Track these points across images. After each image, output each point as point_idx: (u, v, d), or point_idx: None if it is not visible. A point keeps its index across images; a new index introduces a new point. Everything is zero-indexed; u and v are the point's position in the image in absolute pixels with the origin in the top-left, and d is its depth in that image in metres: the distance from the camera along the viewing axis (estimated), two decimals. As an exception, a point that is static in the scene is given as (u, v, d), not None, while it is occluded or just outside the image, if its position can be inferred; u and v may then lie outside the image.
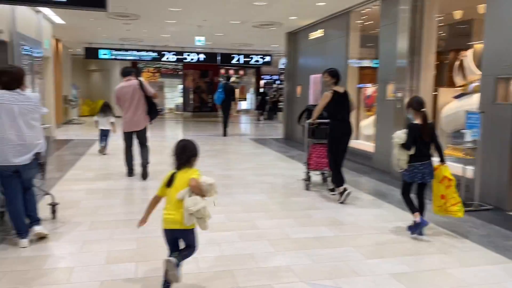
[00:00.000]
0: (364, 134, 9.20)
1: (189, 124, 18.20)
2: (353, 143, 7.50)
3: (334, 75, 5.44)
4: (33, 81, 8.76)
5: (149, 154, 6.69)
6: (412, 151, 4.04)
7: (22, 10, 8.30)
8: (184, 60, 16.95)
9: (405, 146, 4.05)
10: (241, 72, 26.03)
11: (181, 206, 2.77)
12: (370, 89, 9.08)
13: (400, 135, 4.11)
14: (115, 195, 5.67)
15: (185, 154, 2.92)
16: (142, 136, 6.62)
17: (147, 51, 16.41)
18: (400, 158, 4.10)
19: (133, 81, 6.54)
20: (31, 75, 8.53)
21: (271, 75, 31.98)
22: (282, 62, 18.78)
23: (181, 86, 23.89)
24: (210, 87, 23.45)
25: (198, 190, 2.78)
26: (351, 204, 5.34)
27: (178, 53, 16.71)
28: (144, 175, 6.57)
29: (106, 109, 8.96)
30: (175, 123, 18.94)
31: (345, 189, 5.36)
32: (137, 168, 6.77)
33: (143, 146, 6.66)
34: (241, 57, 17.14)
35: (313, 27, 10.71)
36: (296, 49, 12.01)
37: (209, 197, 2.83)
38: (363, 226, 4.55)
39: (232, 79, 25.92)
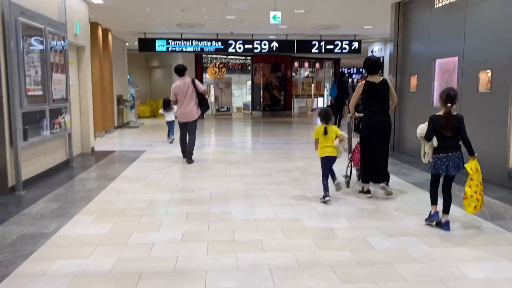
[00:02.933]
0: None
1: (259, 126, 15.32)
2: None
3: (365, 64, 5.27)
4: (47, 75, 6.30)
5: (195, 144, 7.71)
6: (435, 143, 4.03)
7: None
8: (255, 50, 14.04)
9: (425, 137, 4.08)
10: (317, 65, 22.69)
11: (333, 145, 4.98)
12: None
13: (422, 127, 4.13)
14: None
15: (329, 117, 5.05)
16: (192, 126, 7.59)
17: (209, 40, 13.77)
18: (425, 151, 4.11)
19: (187, 79, 7.51)
20: (41, 67, 6.07)
21: (349, 68, 28.12)
22: (372, 49, 15.21)
23: (249, 83, 21.16)
24: (282, 83, 20.50)
25: (343, 140, 5.00)
26: None
27: (247, 41, 13.87)
28: (189, 161, 7.55)
29: (167, 104, 10.52)
30: (243, 125, 16.18)
31: (368, 191, 5.25)
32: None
33: (190, 134, 7.61)
34: (323, 44, 13.89)
35: (442, -12, 7.25)
36: (408, 26, 8.57)
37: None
38: None
39: (306, 73, 22.76)
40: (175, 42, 13.65)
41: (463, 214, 4.40)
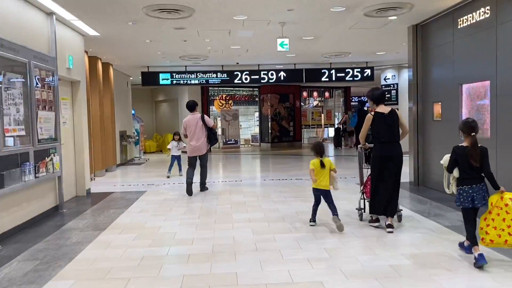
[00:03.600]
0: None
1: (268, 160, 14.57)
2: None
3: (369, 95, 5.26)
4: (32, 113, 5.67)
5: (207, 174, 8.14)
6: (456, 174, 3.95)
7: (13, 9, 5.36)
8: (262, 81, 13.48)
9: (447, 169, 4.01)
10: (327, 94, 22.09)
11: (327, 177, 5.12)
12: None
13: (447, 157, 4.03)
14: None
15: (322, 150, 5.20)
16: (203, 159, 7.90)
17: (215, 72, 13.26)
18: (449, 182, 4.03)
19: (196, 115, 7.90)
20: (25, 104, 5.44)
21: (359, 96, 27.42)
22: (385, 76, 14.57)
23: (257, 114, 20.58)
24: (291, 113, 19.86)
25: (335, 173, 5.17)
26: None
27: (253, 72, 13.33)
28: (203, 189, 8.05)
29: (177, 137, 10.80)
30: (251, 159, 15.44)
31: (376, 219, 5.16)
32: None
33: (203, 167, 7.95)
34: (333, 72, 13.28)
35: (467, 5, 6.59)
36: (428, 49, 7.90)
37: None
38: None
39: (315, 102, 22.19)
40: (180, 75, 13.15)
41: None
